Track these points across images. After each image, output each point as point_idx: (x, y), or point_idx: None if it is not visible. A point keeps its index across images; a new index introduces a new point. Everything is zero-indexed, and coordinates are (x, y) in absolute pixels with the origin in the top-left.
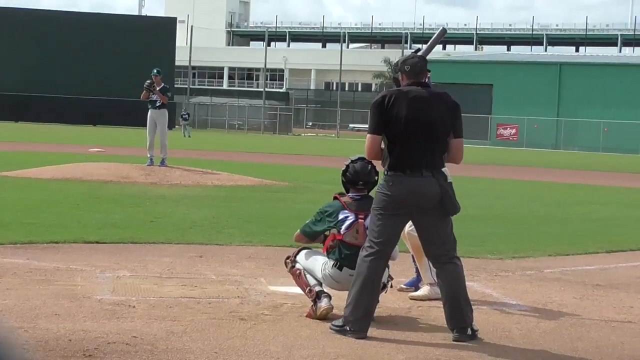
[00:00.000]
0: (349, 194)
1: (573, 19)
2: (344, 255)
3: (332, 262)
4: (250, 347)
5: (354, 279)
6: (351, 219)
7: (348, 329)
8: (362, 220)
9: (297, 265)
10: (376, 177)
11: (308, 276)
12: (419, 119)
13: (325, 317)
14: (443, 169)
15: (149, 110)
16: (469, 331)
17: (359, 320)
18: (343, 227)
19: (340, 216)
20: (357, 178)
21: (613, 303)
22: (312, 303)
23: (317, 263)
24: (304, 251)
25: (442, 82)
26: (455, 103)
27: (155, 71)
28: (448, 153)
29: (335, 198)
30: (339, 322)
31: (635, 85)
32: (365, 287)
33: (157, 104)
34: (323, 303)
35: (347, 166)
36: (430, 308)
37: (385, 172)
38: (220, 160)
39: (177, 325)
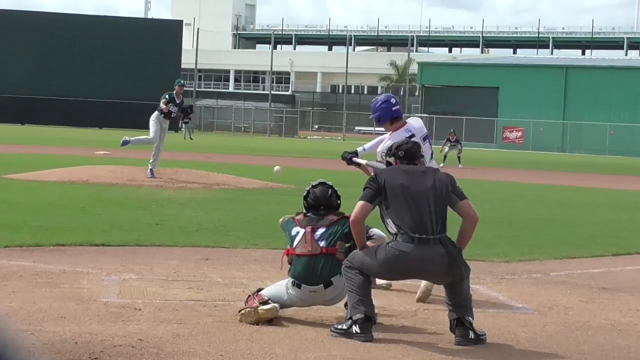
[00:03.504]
0: (307, 213)
1: (577, 22)
2: (298, 270)
3: (291, 281)
4: (256, 349)
5: (346, 286)
6: (302, 232)
7: (354, 331)
8: (309, 230)
9: (264, 295)
10: (338, 201)
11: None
12: (417, 185)
13: (266, 318)
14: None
15: (160, 117)
16: (472, 335)
17: (365, 320)
18: (295, 242)
19: (293, 233)
20: (318, 203)
21: (619, 306)
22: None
23: (280, 287)
24: (266, 288)
25: (448, 85)
26: (449, 175)
27: (181, 82)
28: (463, 216)
29: (293, 218)
30: (342, 326)
31: None
32: (358, 289)
33: (173, 115)
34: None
35: (308, 191)
36: (437, 311)
37: (394, 238)
38: (226, 162)
39: (183, 328)
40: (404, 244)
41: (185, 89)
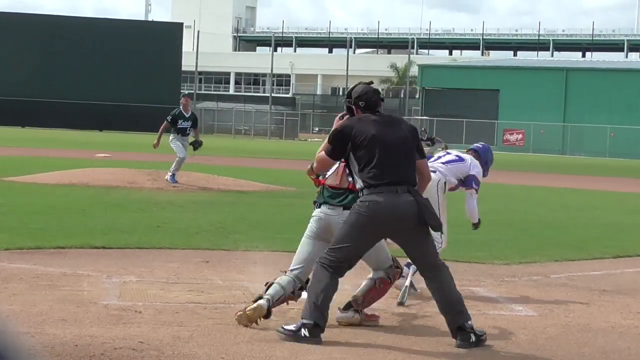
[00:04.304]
0: None
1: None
2: (325, 195)
3: (317, 204)
4: (256, 352)
5: (311, 285)
6: (336, 165)
7: (303, 334)
8: (343, 164)
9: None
10: None
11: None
12: (387, 136)
13: (256, 318)
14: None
15: (176, 137)
16: (473, 337)
17: (314, 327)
18: (328, 173)
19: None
20: None
21: (619, 308)
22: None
23: (300, 247)
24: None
25: (449, 88)
26: (413, 126)
27: (185, 93)
28: (417, 174)
29: None
30: (291, 327)
31: None
32: (320, 293)
33: (187, 132)
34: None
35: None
36: (437, 314)
37: (361, 193)
38: (226, 165)
39: (184, 331)
40: (373, 195)
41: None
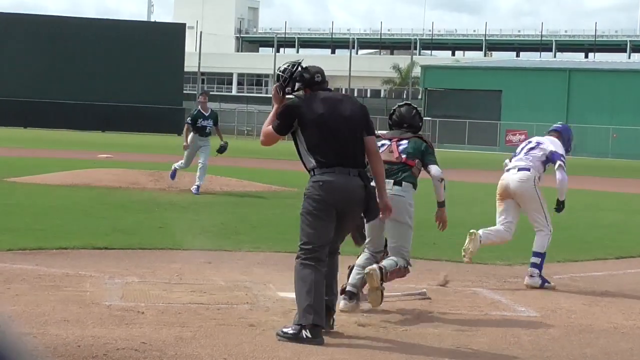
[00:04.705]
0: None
1: (580, 25)
2: None
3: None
4: (259, 353)
5: (297, 288)
6: (386, 144)
7: (304, 335)
8: (394, 142)
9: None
10: (420, 123)
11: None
12: (336, 115)
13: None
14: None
15: (194, 136)
16: (331, 321)
17: (314, 327)
18: (381, 149)
19: (379, 144)
20: (402, 120)
21: (622, 309)
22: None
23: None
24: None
25: (451, 89)
26: (363, 105)
27: (202, 91)
28: (367, 151)
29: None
30: (290, 330)
31: None
32: (310, 292)
33: (207, 131)
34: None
35: (394, 110)
36: (439, 315)
37: (312, 173)
38: (229, 166)
39: (186, 331)
40: (325, 175)
41: (187, 92)
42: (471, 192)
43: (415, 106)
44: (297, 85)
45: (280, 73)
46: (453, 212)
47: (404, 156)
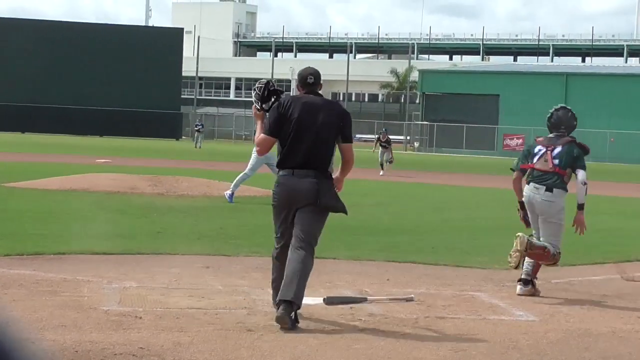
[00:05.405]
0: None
1: (577, 29)
2: (534, 175)
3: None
4: (257, 357)
5: (281, 278)
6: (542, 150)
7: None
8: (550, 151)
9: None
10: (574, 122)
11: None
12: (307, 121)
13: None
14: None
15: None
16: (293, 316)
17: (280, 302)
18: (535, 158)
19: (535, 150)
20: (560, 123)
21: (620, 313)
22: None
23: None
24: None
25: (449, 93)
26: (344, 111)
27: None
28: (342, 158)
29: (535, 139)
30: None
31: None
32: (272, 272)
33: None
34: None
35: (551, 113)
36: (438, 319)
37: (277, 173)
38: (227, 170)
39: (184, 336)
40: (282, 177)
41: (185, 97)
42: (470, 196)
43: (569, 108)
44: (272, 99)
45: (254, 93)
46: (450, 216)
47: (557, 165)
